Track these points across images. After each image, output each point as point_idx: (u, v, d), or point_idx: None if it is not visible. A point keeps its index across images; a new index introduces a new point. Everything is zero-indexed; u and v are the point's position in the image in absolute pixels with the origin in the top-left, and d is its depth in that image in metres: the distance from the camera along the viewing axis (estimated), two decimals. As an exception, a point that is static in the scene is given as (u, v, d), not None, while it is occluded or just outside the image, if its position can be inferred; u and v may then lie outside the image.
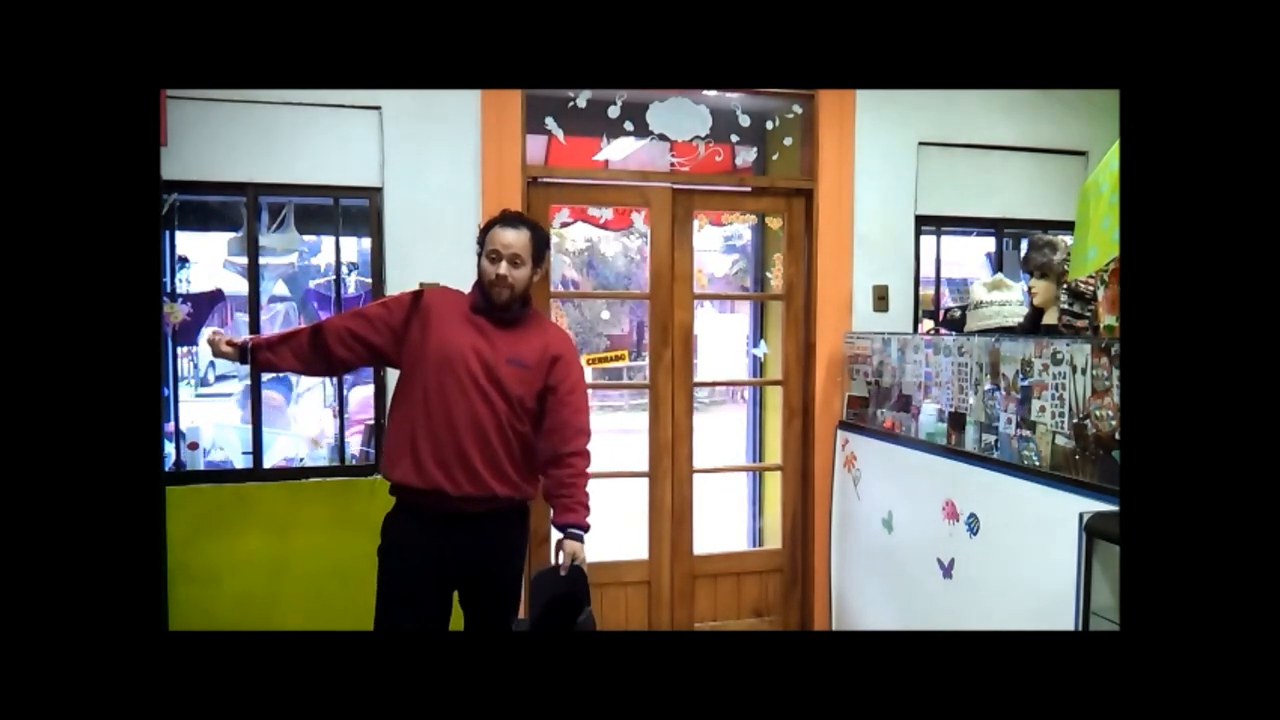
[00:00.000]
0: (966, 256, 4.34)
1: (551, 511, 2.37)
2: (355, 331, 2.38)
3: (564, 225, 3.91)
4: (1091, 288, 2.73)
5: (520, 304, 2.39)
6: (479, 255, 2.38)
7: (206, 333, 2.51)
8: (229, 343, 2.39)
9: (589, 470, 2.39)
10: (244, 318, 3.31)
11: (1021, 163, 3.84)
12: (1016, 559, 2.41)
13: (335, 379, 3.34)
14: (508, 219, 2.39)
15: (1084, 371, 2.22)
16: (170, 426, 3.35)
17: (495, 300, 2.33)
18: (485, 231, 2.38)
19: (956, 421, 2.77)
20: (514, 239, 2.34)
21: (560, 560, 2.29)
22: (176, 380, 3.48)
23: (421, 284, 3.16)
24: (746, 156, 3.68)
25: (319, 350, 2.39)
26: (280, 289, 4.63)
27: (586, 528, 2.34)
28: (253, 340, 2.43)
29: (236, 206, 3.43)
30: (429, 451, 2.27)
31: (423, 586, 2.31)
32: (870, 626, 3.25)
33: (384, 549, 2.37)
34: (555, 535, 2.34)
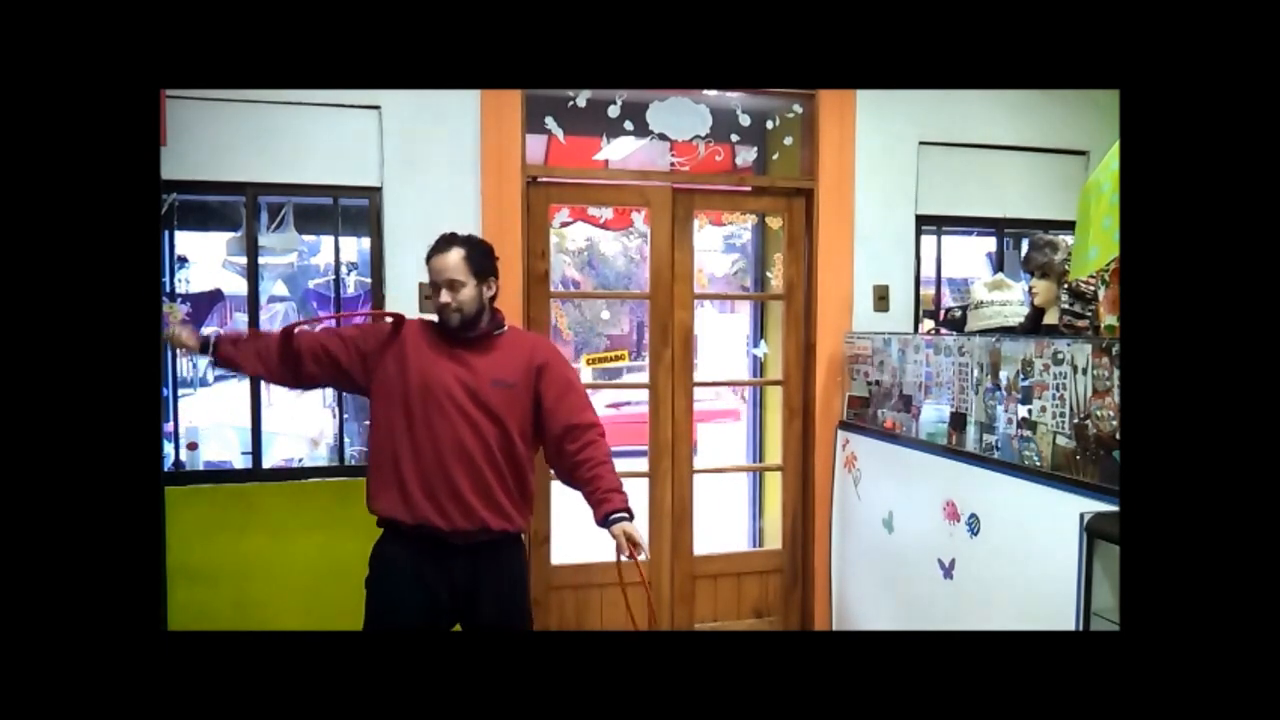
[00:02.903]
0: (967, 256, 4.34)
1: (587, 492, 2.30)
2: (329, 348, 2.31)
3: (564, 225, 3.91)
4: (1092, 288, 2.73)
5: (490, 324, 2.32)
6: None
7: (168, 330, 2.40)
8: (191, 335, 2.34)
9: (608, 457, 2.31)
10: (243, 317, 3.31)
11: (1022, 162, 3.83)
12: (1017, 559, 2.41)
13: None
14: (438, 244, 2.29)
15: (1085, 371, 2.22)
16: (169, 426, 3.35)
17: (449, 325, 2.27)
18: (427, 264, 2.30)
19: (957, 421, 2.77)
20: (446, 263, 2.25)
21: (622, 554, 2.24)
22: (176, 380, 3.48)
23: (422, 283, 3.17)
24: (746, 156, 3.67)
25: (287, 358, 2.32)
26: (280, 289, 4.63)
27: (626, 509, 2.25)
28: (217, 335, 2.35)
29: (236, 206, 3.43)
30: (417, 485, 2.21)
31: (412, 623, 2.23)
32: (870, 627, 3.25)
33: (372, 581, 2.31)
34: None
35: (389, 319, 2.38)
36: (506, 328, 2.38)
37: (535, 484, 2.41)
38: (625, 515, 2.25)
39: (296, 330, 2.37)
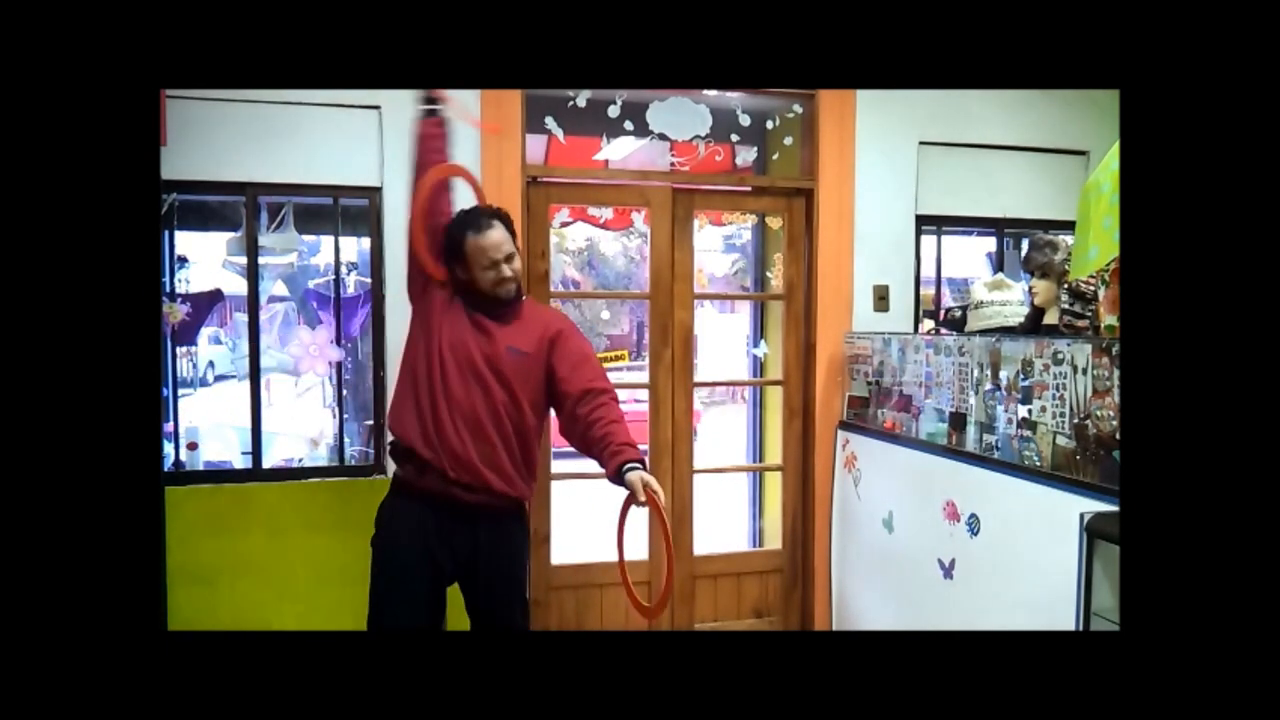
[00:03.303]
0: (967, 256, 4.34)
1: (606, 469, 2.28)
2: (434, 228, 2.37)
3: (564, 225, 3.91)
4: (1092, 287, 2.73)
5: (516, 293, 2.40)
6: (458, 262, 2.32)
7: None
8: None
9: (620, 418, 2.32)
10: (243, 317, 3.31)
11: (1022, 162, 3.83)
12: (1017, 559, 2.41)
13: (335, 376, 3.34)
14: (479, 220, 2.33)
15: (1085, 371, 2.22)
16: (169, 426, 3.35)
17: (504, 298, 2.34)
18: (457, 243, 2.32)
19: (957, 421, 2.77)
20: (499, 237, 2.32)
21: (639, 497, 2.16)
22: (176, 380, 3.47)
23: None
24: (746, 156, 3.67)
25: (438, 186, 2.41)
26: (279, 289, 4.62)
27: (640, 461, 2.22)
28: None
29: (236, 206, 3.43)
30: (433, 429, 2.27)
31: (416, 577, 2.30)
32: (870, 627, 3.25)
33: (378, 539, 2.37)
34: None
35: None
36: (524, 299, 2.45)
37: (539, 458, 2.49)
38: (639, 466, 2.21)
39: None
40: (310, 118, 3.10)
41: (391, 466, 2.42)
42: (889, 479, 3.13)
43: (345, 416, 3.49)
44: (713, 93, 3.48)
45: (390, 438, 2.38)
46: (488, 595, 2.38)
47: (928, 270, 3.84)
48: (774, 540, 3.83)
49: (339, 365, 3.32)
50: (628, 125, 3.41)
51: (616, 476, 2.21)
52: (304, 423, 4.38)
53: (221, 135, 3.03)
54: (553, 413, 2.45)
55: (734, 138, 3.56)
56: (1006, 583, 2.45)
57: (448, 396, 2.27)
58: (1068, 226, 3.20)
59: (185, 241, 3.73)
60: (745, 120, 3.53)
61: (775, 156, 3.72)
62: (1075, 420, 2.25)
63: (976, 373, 2.67)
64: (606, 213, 3.89)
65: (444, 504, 2.29)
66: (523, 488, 2.38)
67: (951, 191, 3.76)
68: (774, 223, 3.76)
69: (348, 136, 3.15)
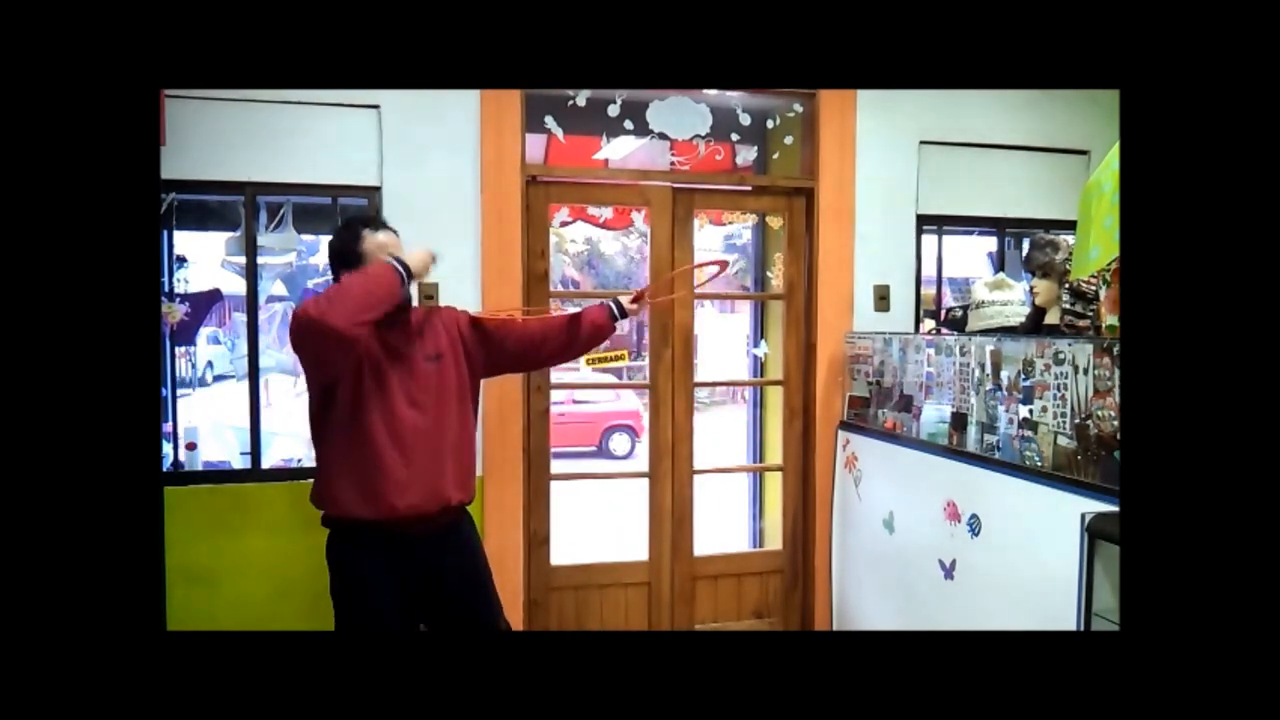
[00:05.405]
0: (968, 256, 4.34)
1: (591, 326, 2.57)
2: None
3: (563, 224, 3.91)
4: (1094, 287, 2.73)
5: None
6: (353, 265, 2.25)
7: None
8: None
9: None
10: (242, 317, 3.31)
11: (1023, 162, 3.83)
12: (1018, 560, 2.40)
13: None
14: (372, 224, 2.32)
15: (1086, 371, 2.22)
16: (168, 426, 3.35)
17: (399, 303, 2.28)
18: (355, 239, 2.27)
19: (958, 422, 2.77)
20: (395, 238, 2.32)
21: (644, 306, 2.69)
22: (174, 381, 3.47)
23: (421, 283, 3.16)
24: (747, 155, 3.67)
25: None
26: (278, 289, 4.62)
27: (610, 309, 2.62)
28: None
29: (235, 206, 3.42)
30: (394, 481, 2.21)
31: (390, 620, 2.26)
32: (871, 627, 3.25)
33: (340, 587, 2.29)
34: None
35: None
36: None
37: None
38: (616, 307, 2.61)
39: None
40: (310, 117, 3.10)
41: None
42: (890, 479, 3.13)
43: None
44: (713, 92, 3.48)
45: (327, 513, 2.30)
46: (470, 596, 2.39)
47: (928, 270, 3.84)
48: (774, 541, 3.82)
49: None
50: (628, 124, 3.40)
51: (615, 316, 2.59)
52: (302, 423, 4.38)
53: (221, 135, 3.03)
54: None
55: (734, 137, 3.56)
56: (1007, 583, 2.45)
57: (394, 439, 2.22)
58: (1069, 226, 3.20)
59: (184, 241, 3.73)
60: (745, 119, 3.53)
61: (775, 156, 3.72)
62: (1076, 420, 2.25)
63: (977, 373, 2.67)
64: (606, 212, 3.89)
65: (400, 538, 2.26)
66: (472, 488, 2.40)
67: (952, 191, 3.76)
68: (774, 222, 3.76)
69: (347, 136, 3.15)
